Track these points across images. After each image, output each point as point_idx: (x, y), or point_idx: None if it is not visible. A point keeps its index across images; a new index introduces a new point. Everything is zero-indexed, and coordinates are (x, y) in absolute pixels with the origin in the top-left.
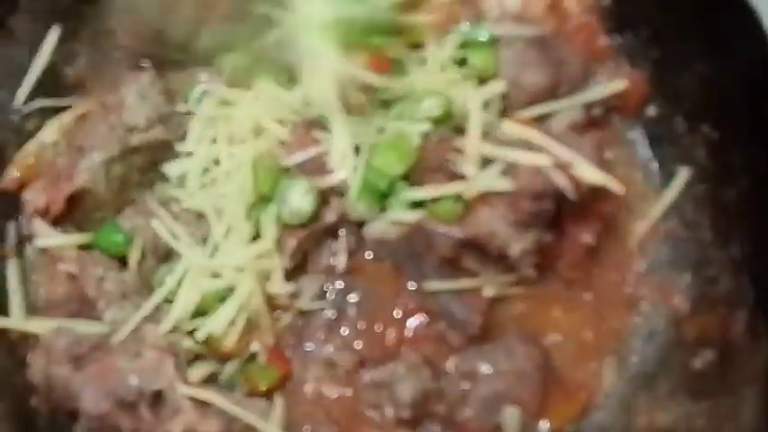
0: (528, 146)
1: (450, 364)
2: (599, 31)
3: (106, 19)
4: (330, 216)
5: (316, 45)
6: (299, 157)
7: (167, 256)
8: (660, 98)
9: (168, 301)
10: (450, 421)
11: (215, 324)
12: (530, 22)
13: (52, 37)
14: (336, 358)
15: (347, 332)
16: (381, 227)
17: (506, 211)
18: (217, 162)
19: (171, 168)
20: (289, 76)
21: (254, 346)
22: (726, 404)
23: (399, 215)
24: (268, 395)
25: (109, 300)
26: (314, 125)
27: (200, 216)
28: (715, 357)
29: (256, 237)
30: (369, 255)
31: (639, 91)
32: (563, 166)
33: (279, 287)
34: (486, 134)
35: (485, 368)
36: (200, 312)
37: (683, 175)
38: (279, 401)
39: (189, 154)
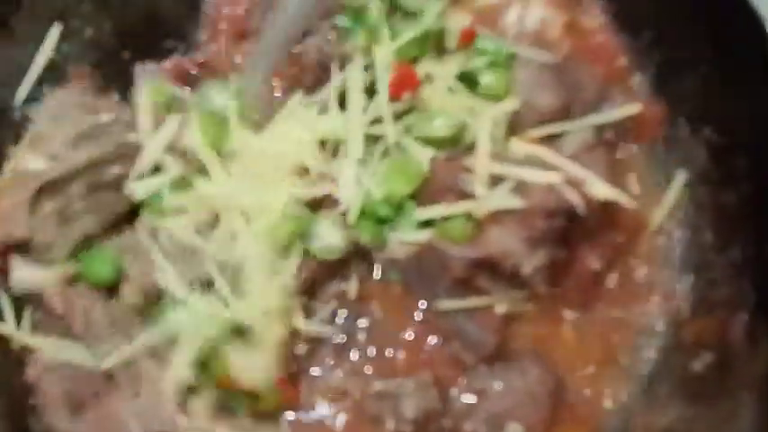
0: (538, 164)
1: (462, 382)
2: (618, 50)
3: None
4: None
5: None
6: (319, 190)
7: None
8: (662, 101)
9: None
10: None
11: (234, 369)
12: (548, 41)
13: (53, 36)
14: (346, 384)
15: (357, 357)
16: (391, 247)
17: (518, 229)
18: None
19: (135, 189)
20: None
21: None
22: (725, 407)
23: (409, 235)
24: (272, 418)
25: (97, 333)
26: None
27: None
28: (714, 360)
29: None
30: (377, 275)
31: (656, 117)
32: (575, 183)
33: (302, 324)
34: (496, 153)
35: (496, 385)
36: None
37: (680, 178)
38: (285, 426)
39: (155, 170)
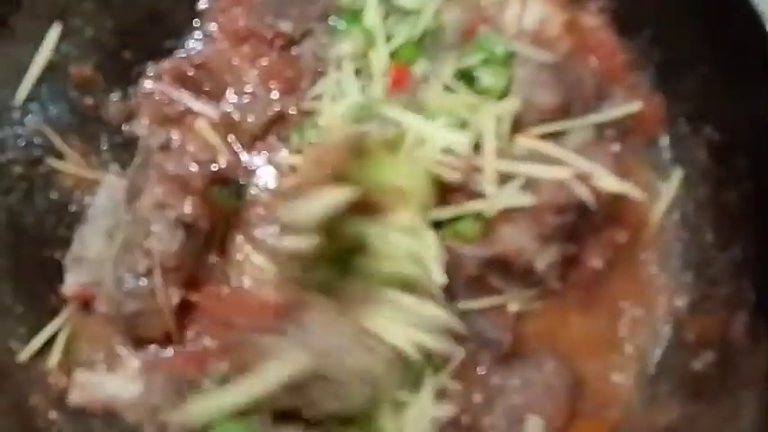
0: (544, 160)
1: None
2: (617, 48)
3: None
4: None
5: None
6: None
7: None
8: (662, 99)
9: None
10: (472, 429)
11: None
12: (547, 39)
13: (53, 35)
14: None
15: None
16: None
17: (529, 225)
18: None
19: None
20: None
21: None
22: (726, 406)
23: None
24: None
25: None
26: None
27: None
28: (715, 359)
29: None
30: None
31: (655, 115)
32: (583, 177)
33: None
34: (501, 151)
35: (514, 380)
36: None
37: (676, 176)
38: None
39: None
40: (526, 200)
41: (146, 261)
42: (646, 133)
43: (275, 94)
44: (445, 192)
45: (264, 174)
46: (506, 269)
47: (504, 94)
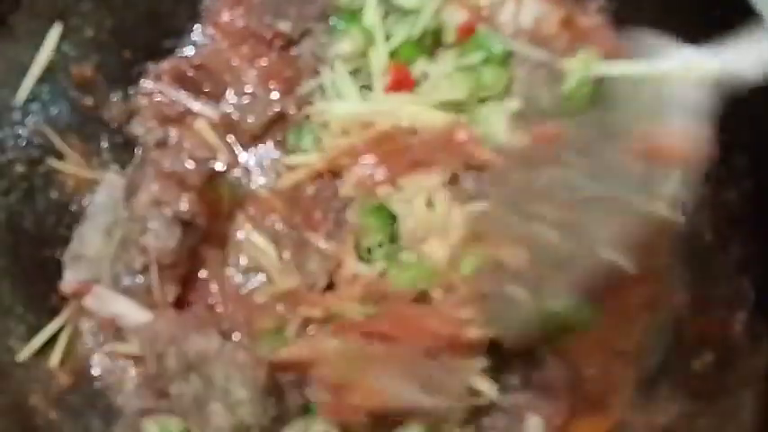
0: None
1: None
2: (615, 46)
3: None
4: None
5: None
6: None
7: None
8: None
9: None
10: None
11: None
12: (544, 37)
13: (53, 35)
14: None
15: None
16: None
17: None
18: None
19: None
20: None
21: None
22: (725, 406)
23: None
24: None
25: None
26: None
27: None
28: (714, 358)
29: None
30: None
31: None
32: None
33: None
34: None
35: (513, 379)
36: None
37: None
38: None
39: None
40: None
41: (142, 258)
42: None
43: (275, 95)
44: None
45: (262, 172)
46: None
47: (504, 93)
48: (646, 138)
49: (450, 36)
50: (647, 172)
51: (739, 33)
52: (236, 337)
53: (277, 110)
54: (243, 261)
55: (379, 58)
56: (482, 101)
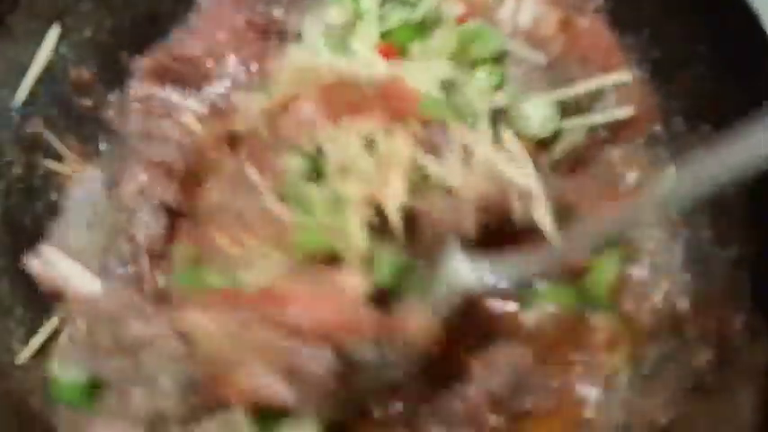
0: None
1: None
2: (614, 47)
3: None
4: None
5: None
6: None
7: None
8: (659, 98)
9: None
10: None
11: None
12: (541, 37)
13: (52, 36)
14: None
15: None
16: None
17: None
18: None
19: None
20: None
21: None
22: (724, 403)
23: None
24: None
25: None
26: None
27: None
28: (714, 356)
29: None
30: None
31: (651, 114)
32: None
33: None
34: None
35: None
36: None
37: (669, 174)
38: None
39: None
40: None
41: (130, 247)
42: (641, 133)
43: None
44: None
45: None
46: None
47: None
48: None
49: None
50: None
51: None
52: None
53: None
54: None
55: (367, 35)
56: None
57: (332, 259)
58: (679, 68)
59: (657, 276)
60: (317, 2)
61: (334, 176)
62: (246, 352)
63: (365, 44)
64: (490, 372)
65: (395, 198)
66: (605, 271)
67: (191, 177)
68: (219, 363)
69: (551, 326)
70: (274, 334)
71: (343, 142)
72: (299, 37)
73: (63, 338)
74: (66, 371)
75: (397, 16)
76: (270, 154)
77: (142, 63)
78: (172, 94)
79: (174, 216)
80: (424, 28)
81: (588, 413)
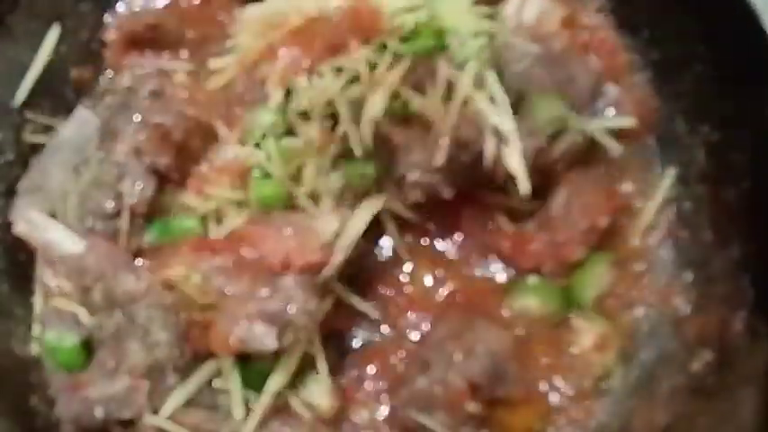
0: None
1: None
2: (618, 46)
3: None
4: None
5: None
6: None
7: None
8: (660, 99)
9: None
10: None
11: None
12: (544, 34)
13: (52, 36)
14: None
15: None
16: None
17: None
18: None
19: None
20: None
21: None
22: (725, 404)
23: None
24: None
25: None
26: None
27: None
28: (714, 357)
29: None
30: None
31: (652, 114)
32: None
33: None
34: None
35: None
36: None
37: (669, 175)
38: None
39: None
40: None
41: (114, 203)
42: (642, 133)
43: None
44: None
45: None
46: None
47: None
48: None
49: None
50: None
51: None
52: None
53: None
54: None
55: None
56: None
57: (291, 206)
58: (679, 69)
59: (657, 276)
60: None
61: (296, 123)
62: (226, 300)
63: None
64: (471, 359)
65: (371, 115)
66: (595, 275)
67: (186, 149)
68: (203, 311)
69: (533, 319)
70: (250, 278)
71: (322, 85)
72: None
73: (49, 305)
74: (59, 336)
75: None
76: (238, 108)
77: (115, 36)
78: (155, 61)
79: (163, 181)
80: None
81: (582, 411)
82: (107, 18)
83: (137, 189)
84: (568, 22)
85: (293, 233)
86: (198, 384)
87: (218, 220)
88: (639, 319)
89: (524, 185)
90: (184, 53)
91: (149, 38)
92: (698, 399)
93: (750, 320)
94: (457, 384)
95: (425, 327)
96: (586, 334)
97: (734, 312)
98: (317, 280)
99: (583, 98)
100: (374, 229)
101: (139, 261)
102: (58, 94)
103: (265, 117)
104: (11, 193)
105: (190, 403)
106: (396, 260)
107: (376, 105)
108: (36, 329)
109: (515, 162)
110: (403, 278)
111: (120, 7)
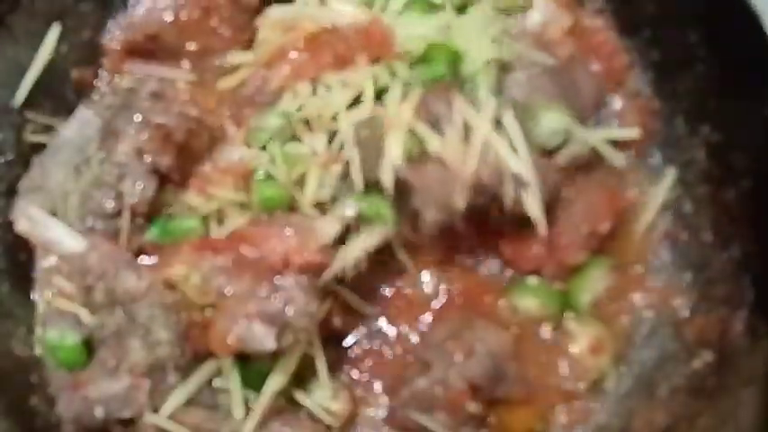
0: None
1: None
2: (618, 48)
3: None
4: None
5: None
6: None
7: None
8: (660, 99)
9: None
10: None
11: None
12: (548, 42)
13: (52, 36)
14: None
15: None
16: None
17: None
18: None
19: None
20: None
21: None
22: (726, 405)
23: None
24: None
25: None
26: None
27: None
28: (714, 358)
29: None
30: None
31: (653, 115)
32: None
33: None
34: None
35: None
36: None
37: (669, 175)
38: None
39: None
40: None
41: (115, 203)
42: (644, 141)
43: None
44: None
45: None
46: None
47: None
48: None
49: None
50: None
51: None
52: None
53: None
54: None
55: None
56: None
57: (292, 208)
58: (679, 69)
59: (657, 277)
60: None
61: (301, 130)
62: (226, 299)
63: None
64: (471, 360)
65: (391, 160)
66: (593, 279)
67: (187, 150)
68: (203, 311)
69: (532, 320)
70: (250, 278)
71: (326, 97)
72: None
73: (51, 305)
74: (60, 334)
75: None
76: (248, 110)
77: (115, 45)
78: (155, 68)
79: (164, 181)
80: None
81: (582, 412)
82: (107, 26)
83: (137, 189)
84: (572, 28)
85: (294, 233)
86: (198, 384)
87: (220, 220)
88: (639, 319)
89: (543, 228)
90: (185, 64)
91: (149, 49)
92: (698, 399)
93: (750, 320)
94: (457, 385)
95: (425, 327)
96: (582, 337)
97: (734, 313)
98: (317, 282)
99: (587, 108)
100: None
101: (143, 259)
102: (58, 95)
103: (273, 120)
104: (11, 192)
105: (190, 402)
106: (396, 260)
107: (394, 150)
108: (37, 329)
109: (535, 208)
110: (403, 278)
111: (120, 17)
